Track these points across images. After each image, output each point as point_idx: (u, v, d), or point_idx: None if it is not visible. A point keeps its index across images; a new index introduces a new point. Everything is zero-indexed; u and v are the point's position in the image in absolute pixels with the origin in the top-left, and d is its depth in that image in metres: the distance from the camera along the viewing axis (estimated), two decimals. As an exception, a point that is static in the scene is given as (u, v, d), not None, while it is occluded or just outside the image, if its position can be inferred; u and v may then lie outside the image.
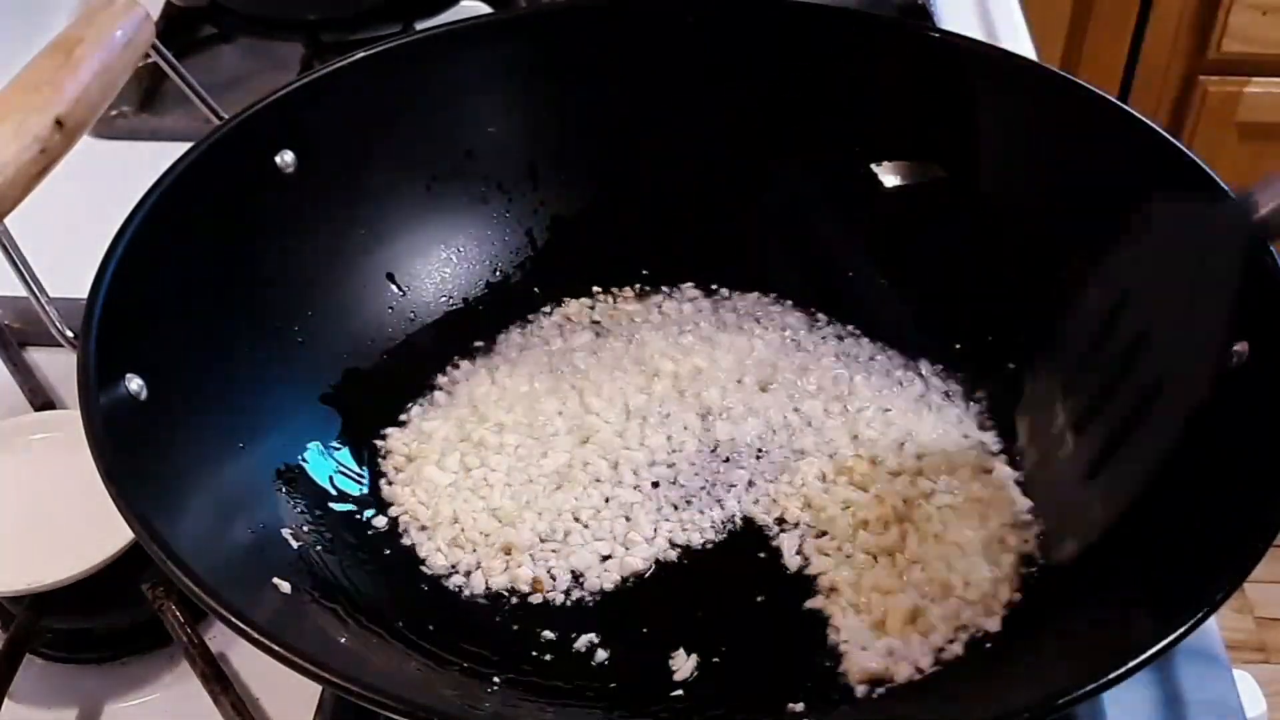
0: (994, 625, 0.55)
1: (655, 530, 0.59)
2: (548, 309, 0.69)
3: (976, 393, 0.64)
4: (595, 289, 0.69)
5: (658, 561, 0.58)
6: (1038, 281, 0.64)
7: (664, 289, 0.70)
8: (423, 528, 0.59)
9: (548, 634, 0.55)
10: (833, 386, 0.65)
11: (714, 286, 0.69)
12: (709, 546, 0.59)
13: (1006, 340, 0.64)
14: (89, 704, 0.59)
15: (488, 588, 0.57)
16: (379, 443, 0.63)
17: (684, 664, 0.54)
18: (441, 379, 0.66)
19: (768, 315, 0.68)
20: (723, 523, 0.60)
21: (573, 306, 0.69)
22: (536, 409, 0.64)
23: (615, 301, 0.69)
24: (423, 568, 0.58)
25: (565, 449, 0.62)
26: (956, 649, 0.54)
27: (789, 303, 0.69)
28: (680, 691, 0.53)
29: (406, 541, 0.59)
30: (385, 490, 0.61)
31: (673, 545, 0.59)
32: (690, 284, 0.70)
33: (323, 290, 0.65)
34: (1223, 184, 0.57)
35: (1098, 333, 0.56)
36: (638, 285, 0.70)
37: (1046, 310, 0.63)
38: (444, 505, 0.60)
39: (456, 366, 0.66)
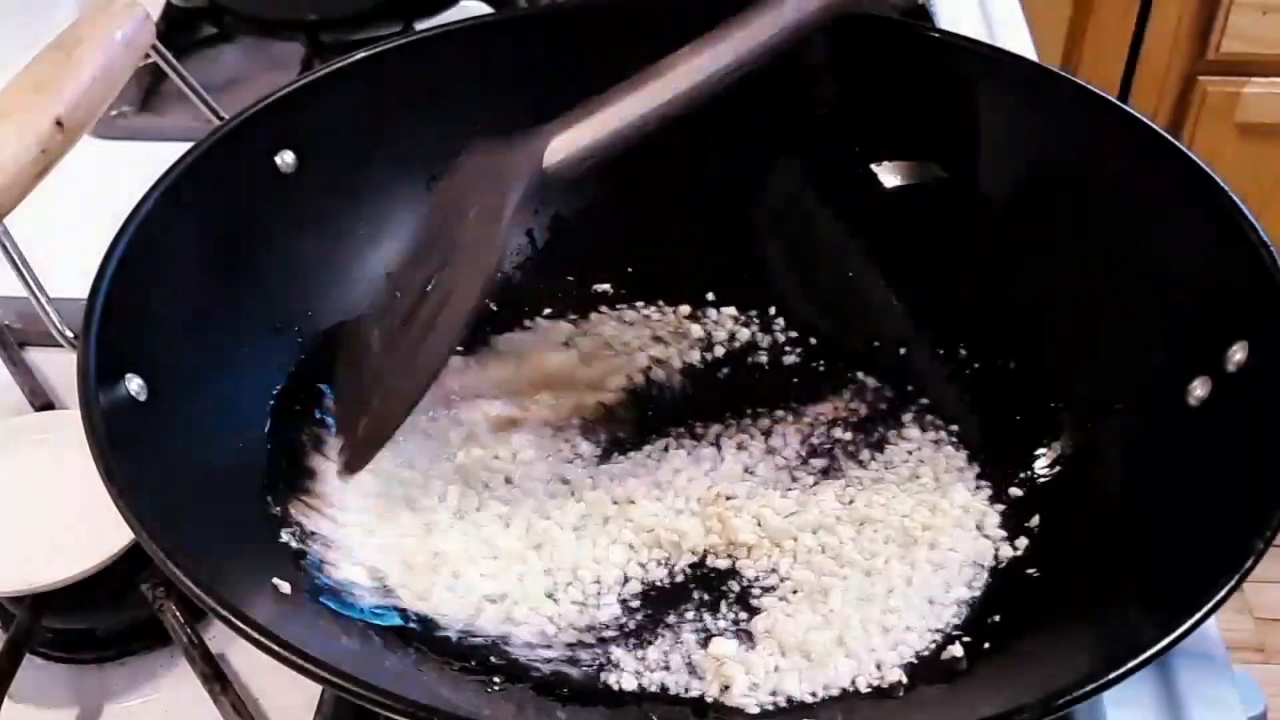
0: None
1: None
2: (548, 309, 0.69)
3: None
4: (595, 288, 0.70)
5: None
6: (1038, 280, 0.64)
7: (662, 288, 0.70)
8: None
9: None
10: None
11: (711, 285, 0.70)
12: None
13: (1008, 339, 0.64)
14: (89, 704, 0.59)
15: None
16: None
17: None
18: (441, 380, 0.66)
19: (763, 315, 0.69)
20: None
21: (572, 306, 0.69)
22: (535, 409, 0.64)
23: (615, 301, 0.69)
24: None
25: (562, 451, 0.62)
26: (955, 650, 0.54)
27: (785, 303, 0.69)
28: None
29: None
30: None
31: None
32: (686, 282, 0.70)
33: (323, 290, 0.65)
34: (1223, 184, 0.57)
35: None
36: (637, 285, 0.70)
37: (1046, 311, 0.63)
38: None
39: (456, 368, 0.66)
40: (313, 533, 0.57)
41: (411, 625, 0.54)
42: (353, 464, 0.58)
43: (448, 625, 0.55)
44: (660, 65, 0.56)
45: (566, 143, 0.56)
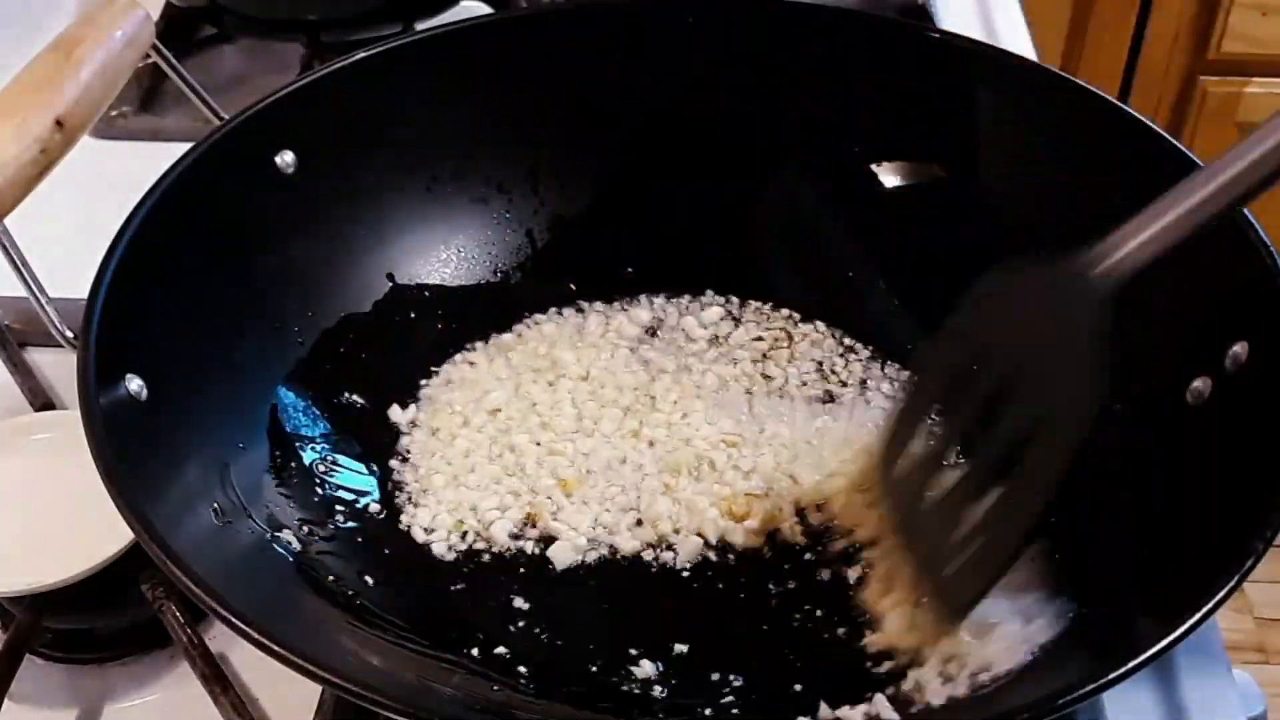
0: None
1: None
2: (547, 309, 0.69)
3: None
4: (595, 288, 0.70)
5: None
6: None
7: (662, 289, 0.70)
8: (422, 503, 0.61)
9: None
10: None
11: (712, 286, 0.70)
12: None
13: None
14: (89, 704, 0.59)
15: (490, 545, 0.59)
16: (380, 440, 0.63)
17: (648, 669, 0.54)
18: (439, 379, 0.66)
19: (764, 314, 0.69)
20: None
21: (572, 306, 0.69)
22: (534, 407, 0.64)
23: (614, 300, 0.69)
24: (422, 534, 0.59)
25: (559, 446, 0.63)
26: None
27: (786, 304, 0.69)
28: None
29: (405, 524, 0.60)
30: (391, 479, 0.61)
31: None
32: (687, 283, 0.70)
33: (323, 290, 0.65)
34: (1223, 184, 0.57)
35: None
36: (637, 285, 0.70)
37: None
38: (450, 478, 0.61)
39: (455, 366, 0.66)
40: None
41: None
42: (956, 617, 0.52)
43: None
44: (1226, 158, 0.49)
45: (1125, 258, 0.50)
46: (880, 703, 0.51)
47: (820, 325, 0.68)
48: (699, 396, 0.65)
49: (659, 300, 0.69)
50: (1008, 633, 0.52)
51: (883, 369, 0.66)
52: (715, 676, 0.53)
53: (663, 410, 0.64)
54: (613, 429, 0.63)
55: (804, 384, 0.65)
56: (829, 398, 0.65)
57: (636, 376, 0.66)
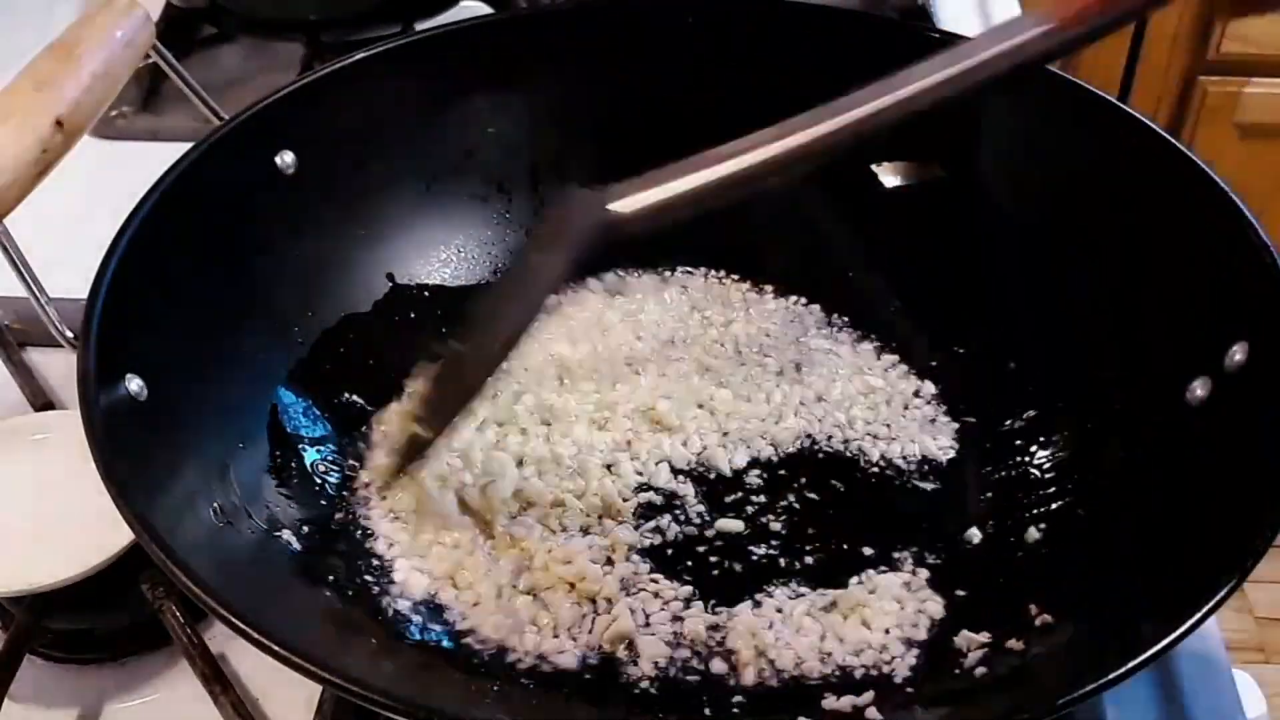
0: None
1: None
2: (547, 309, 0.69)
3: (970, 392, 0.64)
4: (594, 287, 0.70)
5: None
6: (1038, 282, 0.64)
7: (662, 287, 0.70)
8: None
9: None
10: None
11: (712, 284, 0.70)
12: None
13: (1007, 339, 0.64)
14: (89, 704, 0.59)
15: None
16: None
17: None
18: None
19: (764, 312, 0.69)
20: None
21: (571, 305, 0.69)
22: (534, 406, 0.64)
23: (613, 298, 0.69)
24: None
25: (559, 447, 0.63)
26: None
27: (788, 302, 0.69)
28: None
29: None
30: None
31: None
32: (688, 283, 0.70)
33: (323, 290, 0.65)
34: (1223, 184, 0.57)
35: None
36: (637, 283, 0.70)
37: (1047, 311, 0.63)
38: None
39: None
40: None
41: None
42: (435, 425, 0.58)
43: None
44: (759, 134, 0.56)
45: (635, 199, 0.56)
46: (868, 698, 0.52)
47: (819, 324, 0.68)
48: (699, 396, 0.65)
49: (659, 298, 0.69)
50: None
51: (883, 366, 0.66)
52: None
53: (664, 410, 0.64)
54: (614, 428, 0.63)
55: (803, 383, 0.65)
56: (828, 397, 0.65)
57: (638, 375, 0.66)
